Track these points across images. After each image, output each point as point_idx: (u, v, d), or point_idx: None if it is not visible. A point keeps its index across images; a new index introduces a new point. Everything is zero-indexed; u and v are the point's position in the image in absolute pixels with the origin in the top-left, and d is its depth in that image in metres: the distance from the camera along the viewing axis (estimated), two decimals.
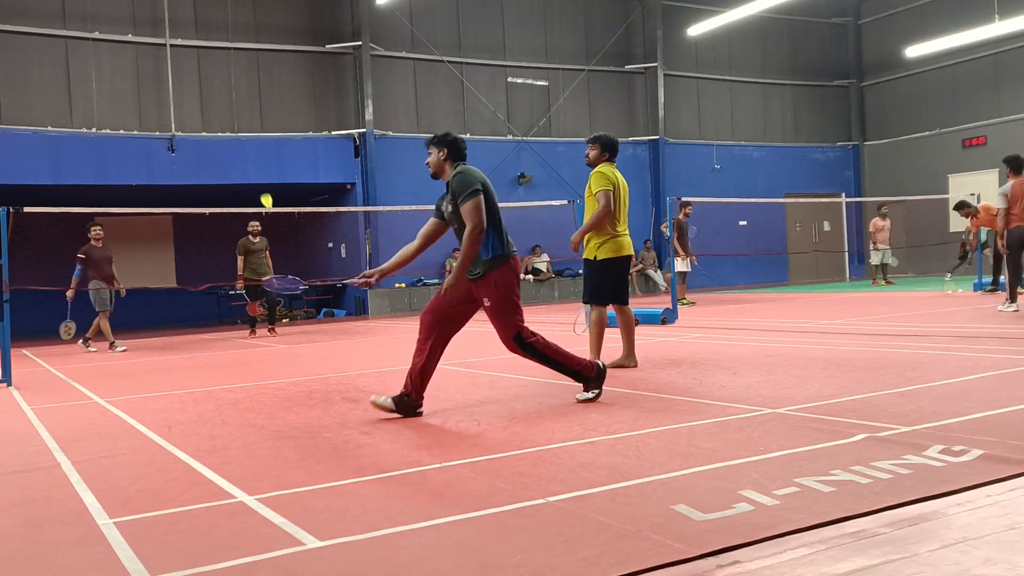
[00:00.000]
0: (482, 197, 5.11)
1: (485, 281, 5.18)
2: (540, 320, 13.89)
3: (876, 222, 19.51)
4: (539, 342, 5.29)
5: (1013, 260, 10.65)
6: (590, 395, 5.41)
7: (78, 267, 12.18)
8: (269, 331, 14.20)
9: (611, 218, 6.75)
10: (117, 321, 18.63)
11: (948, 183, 22.44)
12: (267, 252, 14.03)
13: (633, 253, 7.16)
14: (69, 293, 12.36)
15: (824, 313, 12.07)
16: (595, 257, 6.81)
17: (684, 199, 16.39)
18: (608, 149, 6.98)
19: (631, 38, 22.62)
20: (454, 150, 5.33)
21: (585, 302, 7.03)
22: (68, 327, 12.94)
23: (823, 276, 24.62)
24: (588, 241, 6.87)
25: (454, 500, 3.30)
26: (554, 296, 20.50)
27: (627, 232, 6.93)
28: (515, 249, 5.37)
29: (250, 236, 13.96)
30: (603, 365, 5.53)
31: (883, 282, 19.58)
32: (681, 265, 15.49)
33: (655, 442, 4.12)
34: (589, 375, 5.42)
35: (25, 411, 6.43)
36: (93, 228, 12.33)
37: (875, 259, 19.73)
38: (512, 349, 5.28)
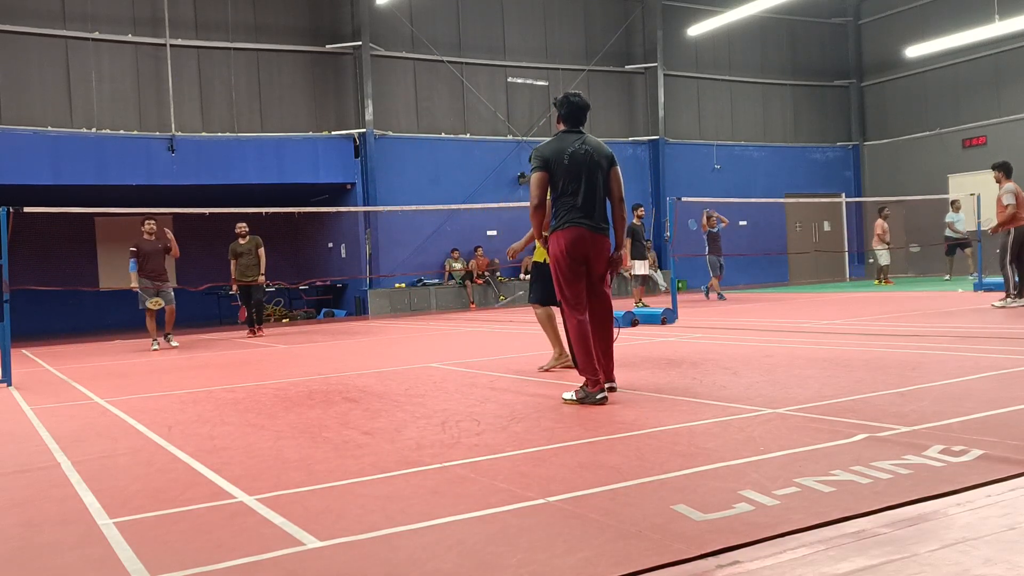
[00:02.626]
0: (539, 174, 5.40)
1: None
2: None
3: (882, 223, 19.65)
4: (571, 327, 5.48)
5: (1018, 258, 10.99)
6: (572, 396, 5.36)
7: (132, 261, 12.01)
8: (256, 332, 14.07)
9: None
10: (118, 321, 18.70)
11: (948, 183, 22.45)
12: (259, 251, 13.84)
13: None
14: (133, 286, 12.10)
15: (824, 313, 12.07)
16: (546, 260, 6.91)
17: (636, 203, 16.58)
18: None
19: (631, 38, 22.62)
20: (561, 111, 5.64)
21: (542, 304, 7.10)
22: (156, 301, 12.37)
23: (823, 276, 24.62)
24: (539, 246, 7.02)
25: (454, 500, 3.30)
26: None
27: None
28: (576, 223, 5.38)
29: (237, 239, 13.87)
30: (605, 394, 5.29)
31: (883, 281, 19.66)
32: (640, 268, 15.64)
33: (655, 442, 4.12)
34: (588, 386, 5.31)
35: (25, 411, 6.43)
36: (147, 222, 12.24)
37: (884, 258, 19.81)
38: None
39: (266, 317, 17.73)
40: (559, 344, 7.12)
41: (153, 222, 12.29)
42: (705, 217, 17.24)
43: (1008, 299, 10.85)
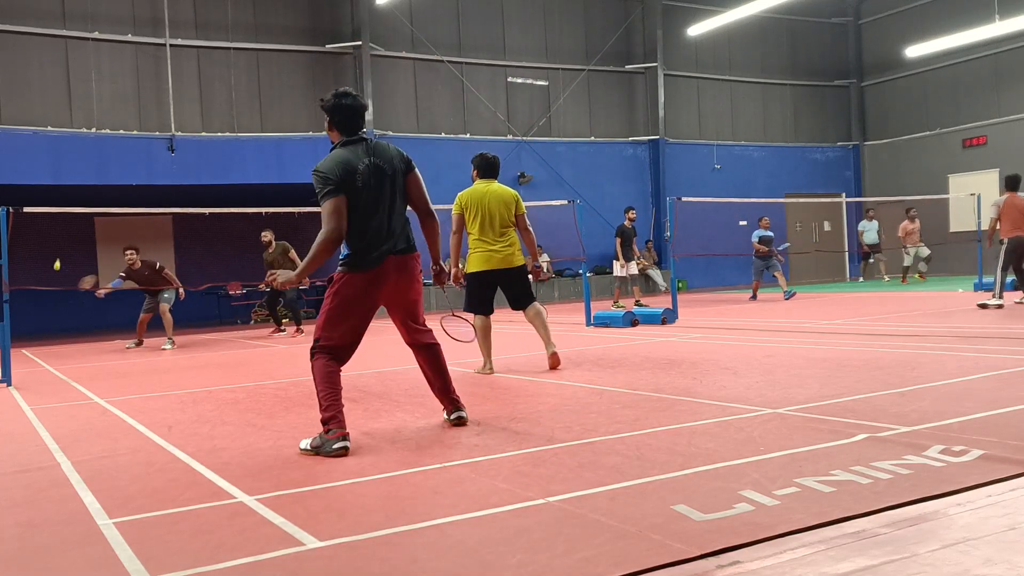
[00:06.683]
0: (337, 199, 4.30)
1: None
2: None
3: (906, 225, 19.74)
4: (319, 367, 4.39)
5: (1015, 265, 11.40)
6: (308, 445, 4.30)
7: (118, 279, 12.48)
8: (276, 332, 14.01)
9: (476, 234, 7.15)
10: (118, 320, 18.68)
11: (948, 183, 22.44)
12: (290, 254, 13.62)
13: (512, 266, 7.24)
14: (99, 293, 12.68)
15: (824, 313, 12.07)
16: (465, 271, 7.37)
17: (628, 205, 16.78)
18: (479, 168, 7.31)
19: (631, 38, 22.61)
20: (333, 117, 4.51)
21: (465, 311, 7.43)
22: (88, 280, 12.67)
23: (823, 276, 24.62)
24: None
25: (454, 500, 3.30)
26: (554, 296, 20.50)
27: (495, 245, 7.22)
28: (377, 260, 4.49)
29: (266, 249, 13.80)
30: (345, 444, 4.20)
31: (917, 277, 19.70)
32: (619, 270, 15.99)
33: (655, 442, 4.12)
34: (328, 433, 4.22)
35: (25, 411, 6.43)
36: (126, 253, 12.34)
37: (907, 260, 19.84)
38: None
39: (265, 318, 17.76)
40: (487, 354, 7.38)
41: (133, 252, 12.30)
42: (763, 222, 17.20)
43: (992, 299, 11.07)
